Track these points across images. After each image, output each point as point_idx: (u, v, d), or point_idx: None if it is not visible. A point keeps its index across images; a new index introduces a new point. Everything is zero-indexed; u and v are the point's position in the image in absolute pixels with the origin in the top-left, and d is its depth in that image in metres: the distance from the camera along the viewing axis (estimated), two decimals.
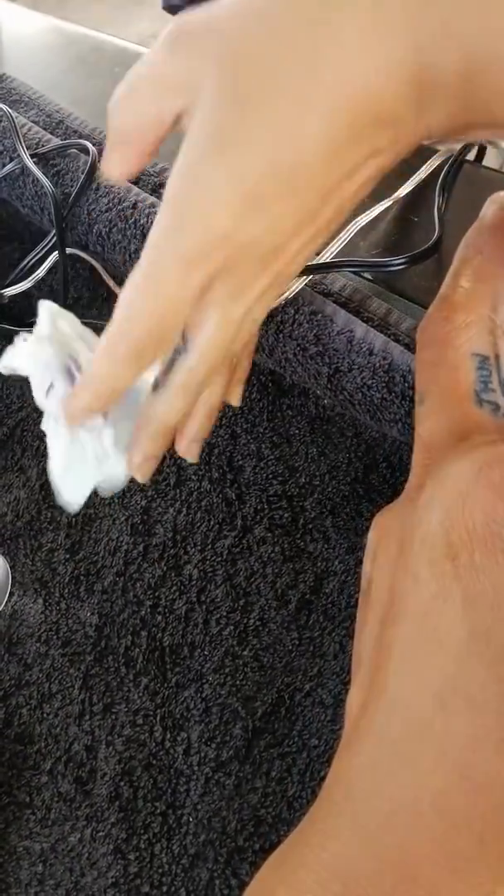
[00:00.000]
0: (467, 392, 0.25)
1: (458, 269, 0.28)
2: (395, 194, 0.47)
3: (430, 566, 0.20)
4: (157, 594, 0.45)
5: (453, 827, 0.18)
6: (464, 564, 0.19)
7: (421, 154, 0.49)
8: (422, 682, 0.20)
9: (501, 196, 0.29)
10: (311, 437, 0.48)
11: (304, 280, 0.43)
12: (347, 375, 0.43)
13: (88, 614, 0.45)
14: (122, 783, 0.40)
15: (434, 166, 0.47)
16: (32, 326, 0.52)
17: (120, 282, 0.54)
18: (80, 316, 0.56)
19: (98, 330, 0.55)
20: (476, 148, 0.50)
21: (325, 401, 0.48)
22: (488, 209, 0.29)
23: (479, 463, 0.21)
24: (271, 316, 0.45)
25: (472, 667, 0.19)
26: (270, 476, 0.47)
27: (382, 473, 0.46)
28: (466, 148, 0.49)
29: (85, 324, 0.55)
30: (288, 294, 0.43)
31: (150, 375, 0.36)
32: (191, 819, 0.39)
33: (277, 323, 0.45)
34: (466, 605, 0.19)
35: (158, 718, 0.42)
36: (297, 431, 0.49)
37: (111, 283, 0.54)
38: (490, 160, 0.52)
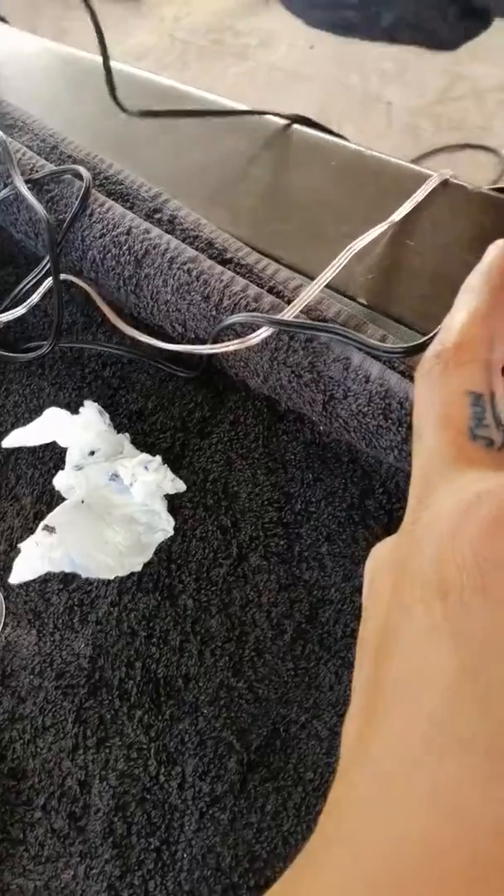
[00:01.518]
0: (461, 428, 0.25)
1: (457, 310, 0.28)
2: (391, 218, 0.47)
3: (421, 603, 0.20)
4: (151, 625, 0.44)
5: (442, 867, 0.18)
6: (453, 602, 0.19)
7: (415, 177, 0.49)
8: (413, 719, 0.19)
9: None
10: (307, 463, 0.48)
11: (271, 330, 0.43)
12: (342, 402, 0.42)
13: (82, 646, 0.45)
14: (115, 819, 0.40)
15: (429, 190, 0.47)
16: (27, 352, 0.53)
17: (115, 307, 0.54)
18: (75, 341, 0.56)
19: (90, 353, 0.54)
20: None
21: (321, 427, 0.47)
22: (490, 253, 0.29)
23: (468, 499, 0.21)
24: (265, 343, 0.45)
25: (461, 705, 0.19)
26: (266, 503, 0.47)
27: (378, 499, 0.46)
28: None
29: (78, 349, 0.55)
30: (252, 341, 0.43)
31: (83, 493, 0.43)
32: (185, 855, 0.38)
33: (271, 350, 0.45)
34: (455, 642, 0.19)
35: (153, 752, 0.41)
36: (292, 457, 0.48)
37: (105, 308, 0.54)
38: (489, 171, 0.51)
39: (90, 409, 0.49)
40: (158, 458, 0.47)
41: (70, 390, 0.54)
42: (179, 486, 0.47)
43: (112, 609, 0.45)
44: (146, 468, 0.46)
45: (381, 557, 0.24)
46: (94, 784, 0.41)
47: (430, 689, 0.19)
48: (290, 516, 0.46)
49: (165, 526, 0.46)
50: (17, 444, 0.49)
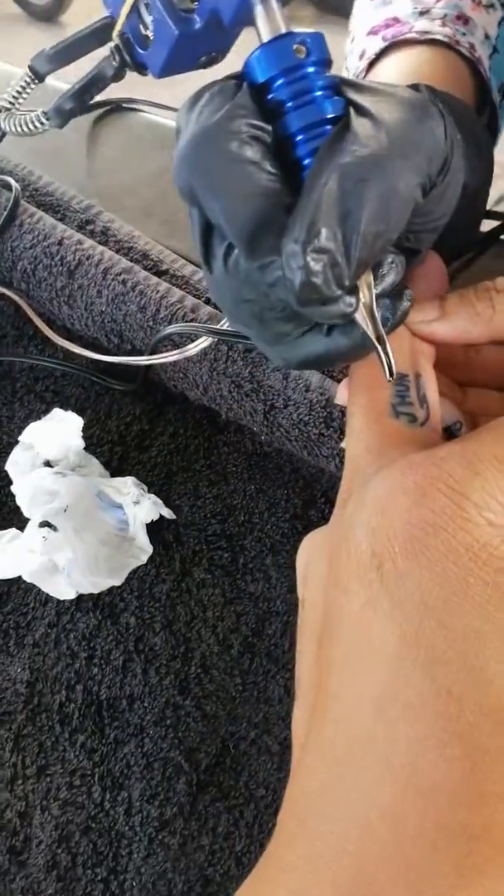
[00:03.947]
0: (385, 406, 0.25)
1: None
2: None
3: (357, 577, 0.20)
4: (92, 645, 0.43)
5: (406, 838, 0.18)
6: (388, 571, 0.20)
7: None
8: (360, 694, 0.19)
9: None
10: (249, 474, 0.47)
11: (209, 340, 0.42)
12: (283, 412, 0.42)
13: (19, 670, 0.42)
14: (59, 850, 0.38)
15: None
16: None
17: (46, 319, 0.53)
18: (5, 354, 0.54)
19: (21, 367, 0.53)
20: None
21: (262, 437, 0.47)
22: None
23: (393, 475, 0.21)
24: (204, 354, 0.44)
25: (406, 671, 0.19)
26: (209, 515, 0.46)
27: (321, 509, 0.45)
28: None
29: (9, 363, 0.54)
30: (191, 351, 0.42)
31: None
32: (134, 884, 0.37)
33: (210, 360, 0.44)
34: (394, 610, 0.19)
35: (97, 778, 0.39)
36: (234, 469, 0.48)
37: (37, 320, 0.52)
38: None
39: (70, 416, 0.47)
40: (144, 485, 0.46)
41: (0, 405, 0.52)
42: (170, 513, 0.46)
43: (50, 630, 0.44)
44: (143, 490, 0.45)
45: (312, 546, 0.25)
46: (34, 815, 0.39)
47: (374, 660, 0.19)
48: (234, 528, 0.45)
49: (138, 553, 0.44)
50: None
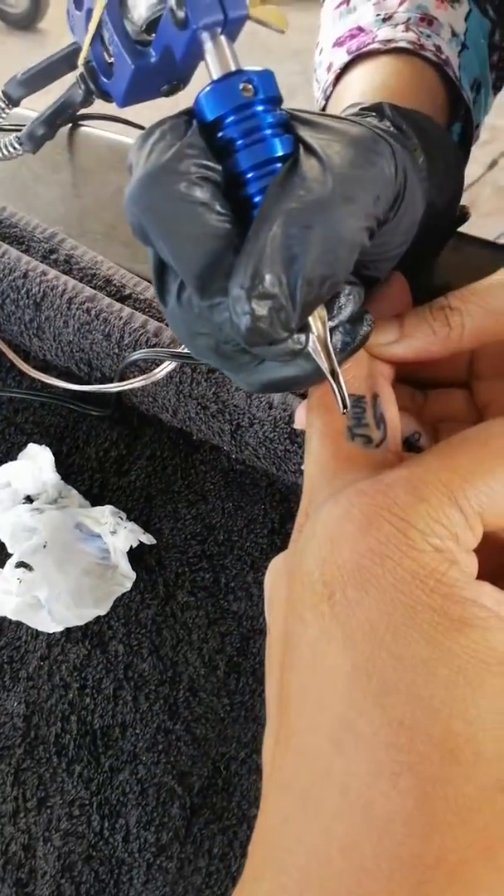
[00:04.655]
0: (341, 428, 0.25)
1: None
2: None
3: (311, 608, 0.21)
4: (83, 675, 0.43)
5: (362, 870, 0.18)
6: (339, 602, 0.20)
7: None
8: (318, 726, 0.20)
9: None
10: (227, 492, 0.47)
11: (173, 364, 0.42)
12: (249, 430, 0.42)
13: (15, 704, 0.43)
14: (63, 881, 0.39)
15: None
16: None
17: (20, 352, 0.53)
18: None
19: (3, 400, 0.53)
20: None
21: (233, 455, 0.47)
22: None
23: (342, 502, 0.21)
24: (170, 377, 0.44)
25: (359, 702, 0.19)
26: (189, 536, 0.47)
27: None
28: None
29: None
30: (156, 376, 0.42)
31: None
32: None
33: (176, 384, 0.44)
34: (346, 641, 0.19)
35: (95, 807, 0.40)
36: (211, 486, 0.48)
37: (10, 354, 0.53)
38: None
39: (42, 451, 0.47)
40: (122, 513, 0.47)
41: None
42: (150, 538, 0.46)
43: (42, 663, 0.44)
44: (121, 518, 0.46)
45: (274, 571, 0.25)
46: (38, 847, 0.40)
47: (330, 692, 0.20)
48: (214, 548, 0.46)
49: (122, 581, 0.45)
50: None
